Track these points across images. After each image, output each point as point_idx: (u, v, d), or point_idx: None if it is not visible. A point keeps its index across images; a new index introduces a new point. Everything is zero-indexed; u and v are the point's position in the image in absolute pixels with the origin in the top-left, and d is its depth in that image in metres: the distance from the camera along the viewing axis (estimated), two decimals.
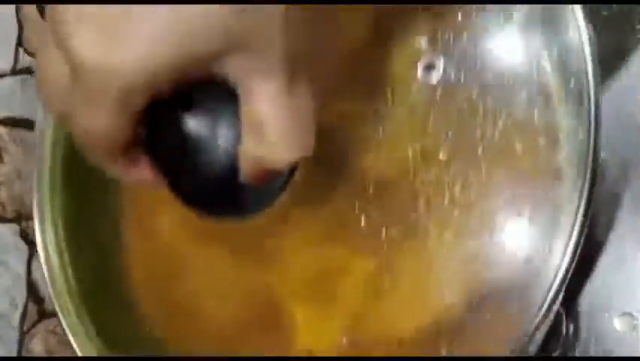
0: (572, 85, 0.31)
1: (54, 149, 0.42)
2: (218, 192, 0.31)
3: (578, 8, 0.31)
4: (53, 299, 0.40)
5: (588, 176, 0.30)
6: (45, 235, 0.41)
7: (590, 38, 0.31)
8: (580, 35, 0.31)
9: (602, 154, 0.39)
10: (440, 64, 0.33)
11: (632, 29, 0.41)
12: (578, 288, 0.37)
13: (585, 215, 0.30)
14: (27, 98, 0.58)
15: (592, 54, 0.31)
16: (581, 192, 0.30)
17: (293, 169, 0.31)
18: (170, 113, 0.27)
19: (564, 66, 0.31)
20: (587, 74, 0.31)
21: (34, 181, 0.42)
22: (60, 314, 0.39)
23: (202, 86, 0.27)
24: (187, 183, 0.30)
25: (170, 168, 0.30)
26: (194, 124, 0.28)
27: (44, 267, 0.41)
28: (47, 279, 0.41)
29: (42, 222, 0.41)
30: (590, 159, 0.30)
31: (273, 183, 0.30)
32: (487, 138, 0.32)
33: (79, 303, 0.40)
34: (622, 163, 0.39)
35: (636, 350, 0.36)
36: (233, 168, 0.29)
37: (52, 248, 0.41)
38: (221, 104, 0.28)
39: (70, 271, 0.41)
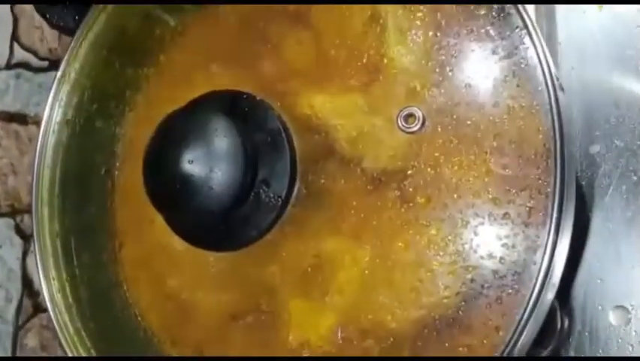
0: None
1: (57, 149, 0.42)
2: (211, 231, 0.34)
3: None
4: (46, 295, 0.40)
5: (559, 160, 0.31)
6: (41, 232, 0.41)
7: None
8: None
9: (597, 147, 0.39)
10: (419, 114, 0.33)
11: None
12: (571, 280, 0.37)
13: (561, 197, 0.30)
14: (21, 93, 0.58)
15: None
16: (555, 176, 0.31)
17: (282, 208, 0.34)
18: (171, 158, 0.29)
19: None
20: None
21: (34, 179, 0.42)
22: (51, 311, 0.39)
23: (205, 136, 0.29)
24: (183, 221, 0.33)
25: (169, 207, 0.33)
26: (191, 168, 0.31)
27: (39, 262, 0.41)
28: (41, 274, 0.40)
29: (38, 220, 0.41)
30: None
31: (261, 220, 0.32)
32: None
33: (72, 299, 0.40)
34: (616, 156, 0.39)
35: (630, 344, 0.36)
36: (225, 210, 0.31)
37: (47, 244, 0.41)
38: (219, 153, 0.31)
39: (64, 267, 0.41)
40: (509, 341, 0.31)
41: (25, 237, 0.57)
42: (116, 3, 0.41)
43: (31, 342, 0.56)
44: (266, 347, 0.35)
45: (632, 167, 0.38)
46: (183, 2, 0.41)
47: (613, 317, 0.37)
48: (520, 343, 0.30)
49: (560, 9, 0.43)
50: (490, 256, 0.32)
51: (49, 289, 0.40)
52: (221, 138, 0.33)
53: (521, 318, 0.30)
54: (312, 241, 0.35)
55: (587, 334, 0.37)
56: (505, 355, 0.30)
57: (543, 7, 0.42)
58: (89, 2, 0.42)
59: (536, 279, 0.30)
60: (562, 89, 0.32)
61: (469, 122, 0.33)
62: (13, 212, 0.56)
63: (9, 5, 0.58)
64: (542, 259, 0.30)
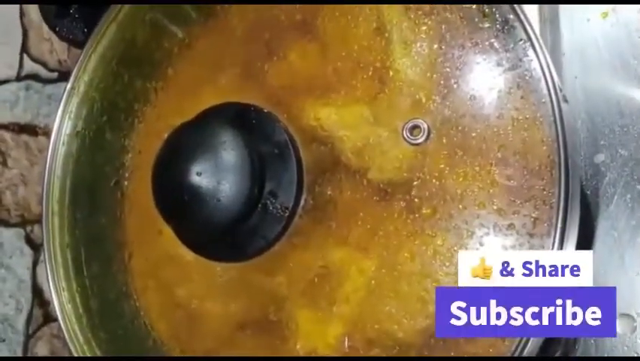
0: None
1: (66, 160, 0.42)
2: (218, 242, 0.34)
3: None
4: (56, 305, 0.40)
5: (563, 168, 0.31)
6: (51, 242, 0.42)
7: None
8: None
9: (601, 156, 0.39)
10: (424, 125, 0.34)
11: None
12: None
13: (565, 208, 0.31)
14: (31, 104, 0.58)
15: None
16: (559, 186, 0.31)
17: (289, 219, 0.35)
18: (179, 170, 0.29)
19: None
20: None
21: (43, 192, 0.42)
22: (61, 321, 0.40)
23: (213, 148, 0.30)
24: (191, 232, 0.33)
25: (177, 219, 0.33)
26: (200, 180, 0.31)
27: (49, 273, 0.41)
28: (51, 285, 0.41)
29: (48, 230, 0.42)
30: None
31: (268, 231, 0.34)
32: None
33: (82, 310, 0.40)
34: (621, 165, 0.39)
35: (636, 351, 0.37)
36: (233, 222, 0.31)
37: (57, 254, 0.41)
38: (227, 165, 0.31)
39: (74, 278, 0.41)
40: (515, 350, 0.31)
41: (35, 247, 0.57)
42: (129, 3, 0.41)
43: (41, 351, 0.56)
44: (273, 355, 0.36)
45: (636, 176, 0.39)
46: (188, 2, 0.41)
47: (619, 325, 0.37)
48: (526, 351, 0.31)
49: (564, 18, 0.43)
50: None
51: (60, 299, 0.40)
52: (229, 151, 0.34)
53: None
54: (319, 252, 0.35)
55: (592, 342, 0.37)
56: None
57: (547, 16, 0.43)
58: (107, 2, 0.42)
59: None
60: (565, 100, 0.32)
61: (473, 134, 0.33)
62: (24, 222, 0.57)
63: (19, 17, 0.59)
64: None
